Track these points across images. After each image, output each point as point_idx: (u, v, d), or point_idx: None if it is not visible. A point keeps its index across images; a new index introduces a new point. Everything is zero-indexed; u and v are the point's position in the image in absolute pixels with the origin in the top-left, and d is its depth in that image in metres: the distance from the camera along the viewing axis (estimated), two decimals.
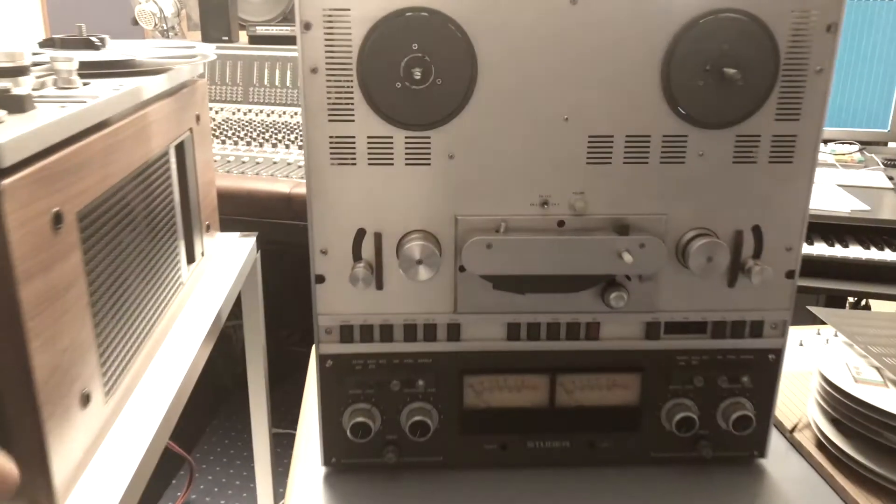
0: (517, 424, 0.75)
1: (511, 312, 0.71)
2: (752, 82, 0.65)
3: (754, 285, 0.70)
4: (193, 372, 0.85)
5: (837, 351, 0.84)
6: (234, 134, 2.00)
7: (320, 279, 0.70)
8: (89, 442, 0.66)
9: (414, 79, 0.63)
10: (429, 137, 0.66)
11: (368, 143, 0.66)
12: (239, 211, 1.71)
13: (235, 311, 1.17)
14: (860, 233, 1.70)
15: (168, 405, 0.76)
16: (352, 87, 0.64)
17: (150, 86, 0.83)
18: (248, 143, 1.97)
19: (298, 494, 0.73)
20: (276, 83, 2.08)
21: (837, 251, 1.64)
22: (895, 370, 0.78)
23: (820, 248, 1.65)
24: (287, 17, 2.26)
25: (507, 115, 0.65)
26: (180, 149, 0.95)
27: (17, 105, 0.60)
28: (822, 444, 0.78)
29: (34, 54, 0.81)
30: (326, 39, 0.63)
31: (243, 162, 1.89)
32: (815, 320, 0.94)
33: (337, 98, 0.64)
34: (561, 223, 0.68)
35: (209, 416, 2.34)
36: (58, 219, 0.59)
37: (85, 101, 0.66)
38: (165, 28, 2.31)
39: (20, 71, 0.62)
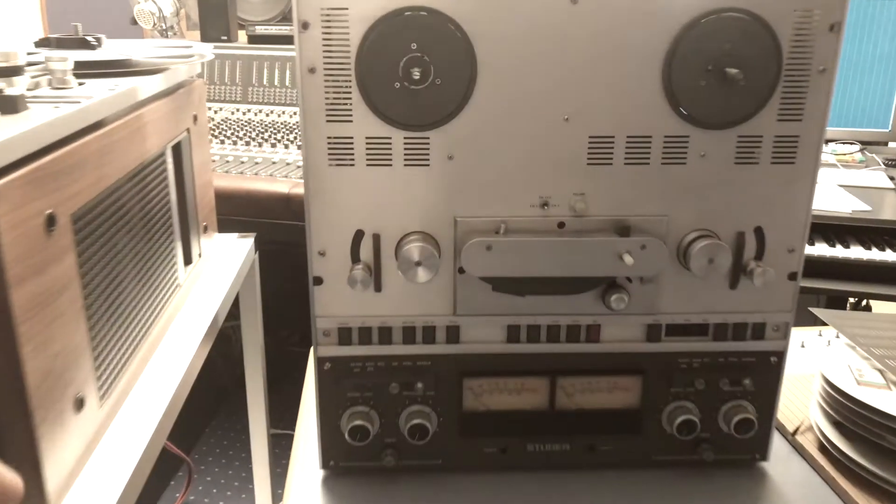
0: (517, 427, 0.74)
1: (511, 314, 0.71)
2: (754, 82, 0.64)
3: (756, 287, 0.69)
4: (190, 374, 0.84)
5: (839, 353, 0.83)
6: (233, 134, 1.99)
7: (318, 281, 0.69)
8: (83, 447, 0.66)
9: (413, 79, 0.63)
10: (428, 138, 0.65)
11: (367, 143, 0.65)
12: (238, 211, 1.71)
13: (235, 311, 1.16)
14: (861, 233, 1.70)
15: (164, 408, 0.75)
16: (350, 87, 0.63)
17: (146, 86, 0.82)
18: (248, 143, 1.97)
19: (296, 498, 0.72)
20: (276, 83, 2.07)
21: (838, 251, 1.63)
22: None
23: (821, 249, 1.64)
24: (286, 17, 2.25)
25: (506, 115, 0.65)
26: (177, 149, 0.94)
27: (10, 105, 0.59)
28: (825, 447, 0.78)
29: (29, 54, 0.80)
30: (324, 39, 0.62)
31: (242, 162, 1.89)
32: (817, 321, 0.94)
33: (335, 98, 0.64)
34: (561, 224, 0.68)
35: (209, 417, 2.33)
36: (51, 221, 0.58)
37: (79, 102, 0.65)
38: (164, 28, 2.31)
39: (14, 71, 0.61)
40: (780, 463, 0.78)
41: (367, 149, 0.65)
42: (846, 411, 0.76)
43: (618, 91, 0.65)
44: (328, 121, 0.65)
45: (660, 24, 0.63)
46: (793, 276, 0.71)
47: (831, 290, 1.68)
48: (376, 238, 0.68)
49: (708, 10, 0.63)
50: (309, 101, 0.64)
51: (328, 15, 0.62)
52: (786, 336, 0.73)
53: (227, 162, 1.88)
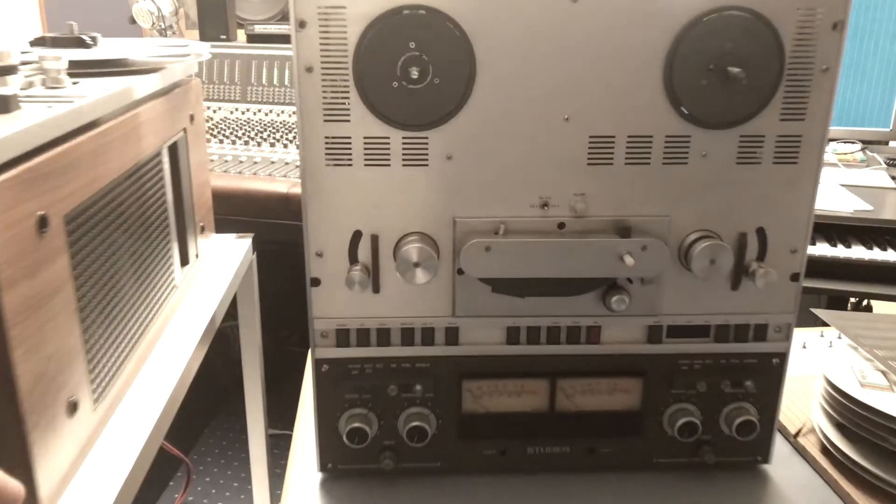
0: (517, 429, 0.74)
1: (510, 316, 0.70)
2: (756, 81, 0.64)
3: (758, 288, 0.69)
4: (186, 376, 0.84)
5: (842, 354, 0.83)
6: (231, 133, 1.98)
7: (316, 282, 0.69)
8: (77, 451, 0.65)
9: (411, 78, 0.62)
10: (426, 138, 0.65)
11: (365, 143, 0.65)
12: (237, 211, 1.71)
13: (234, 311, 1.16)
14: (863, 233, 1.69)
15: (160, 410, 0.74)
16: (348, 86, 0.63)
17: (141, 85, 0.81)
18: (246, 143, 1.96)
19: (294, 501, 0.72)
20: (275, 82, 2.07)
21: (840, 251, 1.63)
22: None
23: (822, 249, 1.64)
24: (285, 16, 2.25)
25: (506, 114, 0.64)
26: (173, 149, 0.93)
27: (2, 105, 0.59)
28: (827, 450, 0.77)
29: (23, 53, 0.79)
30: (322, 38, 0.61)
31: (241, 161, 1.88)
32: (818, 322, 0.93)
33: (332, 98, 0.63)
34: (561, 225, 0.67)
35: (208, 417, 2.33)
36: (43, 222, 0.57)
37: (72, 101, 0.64)
38: (163, 27, 2.30)
39: (7, 70, 0.61)
40: (782, 465, 0.77)
41: (365, 149, 0.65)
42: (849, 413, 0.75)
43: (618, 90, 0.64)
44: (326, 120, 0.64)
45: (661, 22, 0.62)
46: (795, 277, 0.71)
47: (833, 291, 1.68)
48: (374, 239, 0.67)
49: (709, 8, 0.62)
50: (306, 100, 0.63)
51: (325, 13, 0.61)
52: (788, 337, 0.72)
53: (226, 161, 1.88)
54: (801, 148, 0.67)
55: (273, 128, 2.00)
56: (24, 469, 0.55)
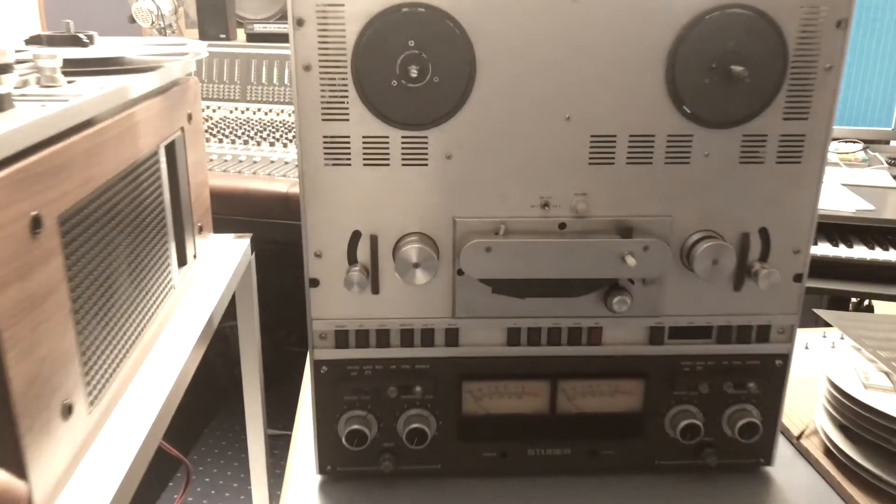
0: (517, 431, 0.73)
1: (511, 317, 0.70)
2: (759, 80, 0.63)
3: (761, 289, 0.68)
4: (185, 377, 0.83)
5: (845, 355, 0.82)
6: (231, 133, 1.98)
7: (314, 283, 0.68)
8: (72, 454, 0.64)
9: (410, 77, 0.61)
10: (426, 137, 0.64)
11: (364, 142, 0.64)
12: (236, 211, 1.70)
13: (234, 312, 1.15)
14: (864, 233, 1.69)
15: (156, 414, 0.74)
16: (346, 85, 0.62)
17: (137, 84, 0.81)
18: (246, 142, 1.95)
19: (293, 503, 0.71)
20: (274, 81, 2.06)
21: (842, 251, 1.62)
22: None
23: (824, 249, 1.63)
24: (285, 15, 2.24)
25: (506, 113, 0.64)
26: (171, 149, 0.93)
27: None
28: (830, 452, 0.77)
29: (18, 51, 0.78)
30: (320, 36, 0.61)
31: (240, 161, 1.87)
32: (820, 322, 0.92)
33: (331, 96, 0.63)
34: (562, 225, 0.67)
35: (207, 418, 2.32)
36: (36, 223, 0.57)
37: (67, 100, 0.64)
38: (163, 26, 2.29)
39: (2, 69, 0.60)
40: (785, 467, 0.77)
41: (364, 148, 0.64)
42: (852, 415, 0.74)
43: (620, 89, 0.63)
44: (324, 119, 0.63)
45: (662, 20, 0.62)
46: (798, 278, 0.70)
47: (834, 290, 1.67)
48: (373, 239, 0.66)
49: (712, 6, 0.61)
50: (304, 99, 0.63)
51: (324, 11, 0.60)
52: (791, 338, 0.72)
53: (226, 161, 1.87)
54: (804, 147, 0.66)
55: (273, 127, 1.99)
56: (17, 473, 0.55)
